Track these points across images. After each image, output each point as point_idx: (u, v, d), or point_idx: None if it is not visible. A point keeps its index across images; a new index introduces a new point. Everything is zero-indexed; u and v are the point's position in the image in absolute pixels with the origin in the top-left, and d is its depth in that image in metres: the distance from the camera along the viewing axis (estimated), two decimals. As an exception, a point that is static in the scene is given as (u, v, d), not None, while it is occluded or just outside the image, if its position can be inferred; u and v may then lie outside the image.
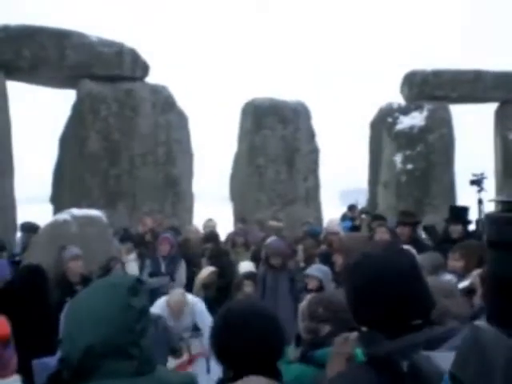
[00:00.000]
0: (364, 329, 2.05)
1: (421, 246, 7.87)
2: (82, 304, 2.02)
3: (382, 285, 1.95)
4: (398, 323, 1.92)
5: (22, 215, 13.33)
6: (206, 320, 6.52)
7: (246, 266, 8.25)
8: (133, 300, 2.00)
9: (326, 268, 6.92)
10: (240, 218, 12.88)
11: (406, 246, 7.39)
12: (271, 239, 8.73)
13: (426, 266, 6.19)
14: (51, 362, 2.63)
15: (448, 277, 5.92)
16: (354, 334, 2.22)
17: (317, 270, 6.87)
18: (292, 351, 3.04)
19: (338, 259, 5.24)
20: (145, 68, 14.29)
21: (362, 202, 18.50)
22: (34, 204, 16.33)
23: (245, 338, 2.48)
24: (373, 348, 1.85)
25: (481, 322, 1.36)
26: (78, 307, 2.03)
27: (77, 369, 1.92)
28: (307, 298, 3.16)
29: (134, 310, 1.98)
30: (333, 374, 2.17)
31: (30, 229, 9.28)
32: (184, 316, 6.54)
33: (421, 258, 6.47)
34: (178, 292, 6.77)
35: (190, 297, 6.83)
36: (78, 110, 13.59)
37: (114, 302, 1.96)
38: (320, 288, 6.68)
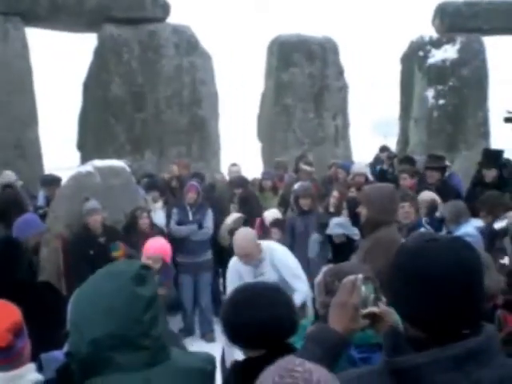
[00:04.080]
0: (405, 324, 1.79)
1: (448, 190, 7.78)
2: (86, 294, 1.93)
3: (449, 278, 1.64)
4: (448, 328, 1.65)
5: (50, 162, 13.39)
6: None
7: (271, 214, 8.12)
8: (138, 289, 1.88)
9: (342, 219, 6.80)
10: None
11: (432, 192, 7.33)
12: (299, 183, 8.58)
13: (448, 215, 6.11)
14: (59, 355, 2.55)
15: (469, 227, 5.81)
16: (361, 277, 2.03)
17: (337, 226, 6.74)
18: (309, 327, 2.90)
19: (363, 211, 5.05)
20: (166, 8, 13.92)
21: (393, 133, 18.19)
22: (60, 149, 16.35)
23: (252, 314, 2.41)
24: (398, 356, 1.65)
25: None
26: (82, 297, 1.94)
27: (85, 362, 1.84)
28: (323, 270, 2.98)
29: (140, 300, 1.86)
30: (337, 326, 1.99)
31: (52, 182, 9.22)
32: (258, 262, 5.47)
33: (443, 208, 6.38)
34: (242, 230, 5.71)
35: (266, 243, 5.76)
36: (99, 54, 13.38)
37: (118, 292, 1.85)
38: (347, 241, 6.60)
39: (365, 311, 2.01)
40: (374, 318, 2.03)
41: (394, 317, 2.03)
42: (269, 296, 2.49)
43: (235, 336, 2.49)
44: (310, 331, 2.10)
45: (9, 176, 9.90)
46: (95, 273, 2.00)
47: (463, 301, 1.64)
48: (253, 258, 5.39)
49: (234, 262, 5.58)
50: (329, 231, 6.81)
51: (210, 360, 2.24)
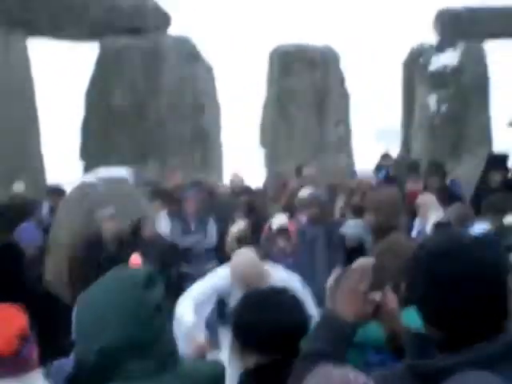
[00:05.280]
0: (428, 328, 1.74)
1: (450, 196, 7.78)
2: (92, 300, 1.86)
3: (476, 279, 1.59)
4: (475, 330, 1.60)
5: (52, 174, 13.36)
6: None
7: (278, 221, 8.07)
8: (147, 294, 1.82)
9: (358, 221, 6.75)
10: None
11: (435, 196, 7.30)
12: (306, 190, 8.52)
13: (452, 219, 6.06)
14: (68, 363, 2.50)
15: (475, 230, 5.75)
16: (369, 262, 1.99)
17: (354, 227, 6.70)
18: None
19: (370, 217, 5.03)
20: (167, 19, 13.97)
21: (396, 140, 18.18)
22: (63, 161, 16.32)
23: (263, 318, 2.36)
24: (422, 359, 1.61)
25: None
26: (88, 304, 1.87)
27: (93, 371, 1.78)
28: (335, 272, 2.94)
29: (149, 306, 1.81)
30: (346, 312, 1.94)
31: (56, 192, 9.25)
32: None
33: (448, 211, 6.34)
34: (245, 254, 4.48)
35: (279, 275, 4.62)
36: (101, 64, 13.41)
37: (126, 299, 1.79)
38: (360, 246, 6.54)
39: (370, 296, 1.94)
40: (379, 305, 1.96)
41: (396, 306, 2.00)
42: (280, 300, 2.45)
43: (246, 341, 2.45)
44: (319, 320, 2.03)
45: (17, 187, 10.11)
46: (101, 277, 1.96)
47: (492, 302, 1.59)
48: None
49: (226, 276, 4.60)
50: (344, 229, 6.78)
51: (220, 367, 2.20)
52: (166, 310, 1.89)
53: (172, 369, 1.87)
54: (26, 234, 6.88)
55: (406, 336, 1.91)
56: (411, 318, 2.03)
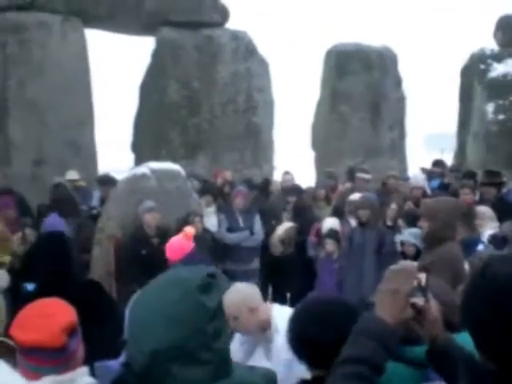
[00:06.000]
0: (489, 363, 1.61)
1: (506, 206, 7.55)
2: (147, 302, 1.77)
3: None
4: None
5: (104, 164, 13.49)
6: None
7: (329, 223, 7.94)
8: (204, 298, 1.73)
9: (417, 231, 6.61)
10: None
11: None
12: (357, 194, 8.36)
13: (509, 233, 5.83)
14: (115, 365, 2.44)
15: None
16: (414, 265, 1.88)
17: (412, 235, 6.62)
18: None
19: (424, 225, 4.88)
20: (224, 13, 13.92)
21: (447, 147, 17.84)
22: (115, 151, 16.48)
23: (319, 331, 2.25)
24: None
25: None
26: (142, 305, 1.78)
27: (143, 375, 1.69)
28: None
29: (205, 310, 1.72)
30: (386, 314, 1.79)
31: (107, 182, 9.27)
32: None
33: (505, 225, 6.12)
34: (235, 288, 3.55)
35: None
36: (157, 58, 13.45)
37: (182, 301, 1.70)
38: (417, 253, 6.42)
39: (412, 300, 1.84)
40: (420, 310, 1.87)
41: (437, 314, 1.93)
42: (337, 312, 2.33)
43: (301, 353, 2.35)
44: (358, 324, 1.92)
45: (70, 175, 10.17)
46: (156, 278, 1.87)
47: None
48: (244, 328, 3.55)
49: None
50: (401, 237, 6.70)
51: (271, 376, 2.11)
52: (222, 317, 1.79)
53: (225, 377, 1.77)
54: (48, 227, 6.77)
55: (461, 362, 1.80)
56: (466, 342, 1.91)
